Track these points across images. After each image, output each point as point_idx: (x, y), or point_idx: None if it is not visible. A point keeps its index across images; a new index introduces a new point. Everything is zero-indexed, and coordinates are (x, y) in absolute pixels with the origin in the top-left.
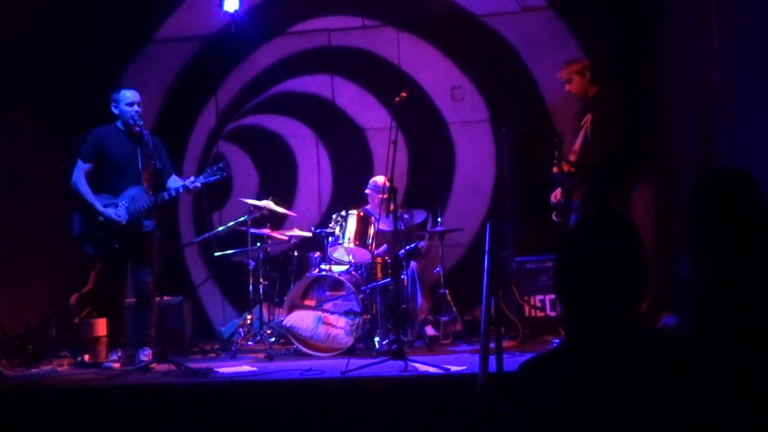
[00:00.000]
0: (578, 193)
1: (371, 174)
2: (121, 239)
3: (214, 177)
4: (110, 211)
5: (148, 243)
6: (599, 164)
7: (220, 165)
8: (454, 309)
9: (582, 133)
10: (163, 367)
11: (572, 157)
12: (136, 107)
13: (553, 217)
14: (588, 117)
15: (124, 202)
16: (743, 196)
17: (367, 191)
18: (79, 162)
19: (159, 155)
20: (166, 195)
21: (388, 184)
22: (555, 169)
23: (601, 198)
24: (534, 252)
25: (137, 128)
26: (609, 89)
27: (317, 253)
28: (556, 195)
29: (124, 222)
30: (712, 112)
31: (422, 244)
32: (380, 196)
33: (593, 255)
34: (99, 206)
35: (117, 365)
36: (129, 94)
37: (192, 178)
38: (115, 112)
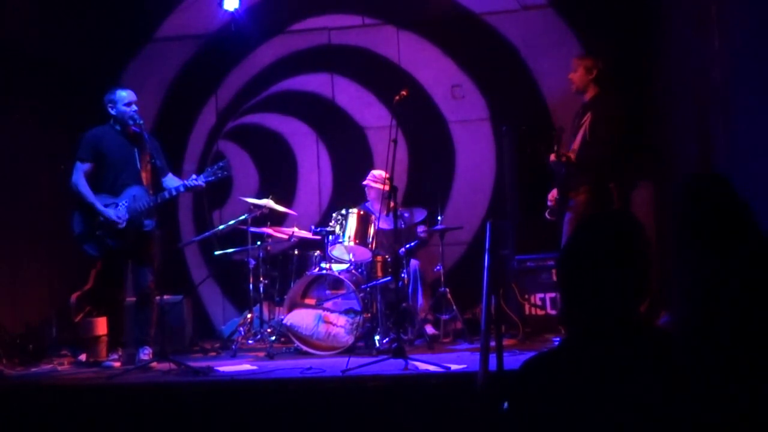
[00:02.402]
0: (573, 193)
1: None
2: (121, 239)
3: (215, 176)
4: (110, 212)
5: (148, 242)
6: (597, 163)
7: (221, 164)
8: (454, 307)
9: (581, 131)
10: (164, 365)
11: (571, 155)
12: (134, 107)
13: (546, 215)
14: (588, 116)
15: (124, 202)
16: (723, 200)
17: (365, 182)
18: (78, 164)
19: (157, 154)
20: (167, 194)
21: (387, 180)
22: (552, 157)
23: (602, 195)
24: (534, 250)
25: (137, 128)
26: (609, 92)
27: (317, 252)
28: (553, 195)
29: (124, 222)
30: (711, 111)
31: (422, 233)
32: (379, 186)
33: (597, 254)
34: (99, 206)
35: (117, 364)
36: (125, 94)
37: (194, 177)
38: (113, 112)
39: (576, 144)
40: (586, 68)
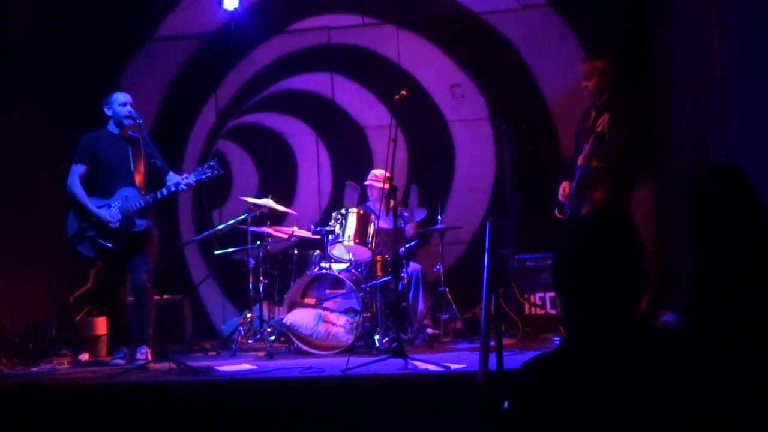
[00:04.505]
0: (590, 190)
1: None
2: (115, 239)
3: (205, 175)
4: (103, 212)
5: (142, 241)
6: (614, 163)
7: (212, 163)
8: (454, 307)
9: (599, 132)
10: (164, 365)
11: (592, 158)
12: (129, 107)
13: (556, 213)
14: (605, 117)
15: (117, 203)
16: (741, 192)
17: (366, 182)
18: (74, 166)
19: (155, 155)
20: (158, 194)
21: (387, 174)
22: (580, 160)
23: (618, 196)
24: (534, 249)
25: (135, 131)
26: (622, 91)
27: (317, 252)
28: (564, 188)
29: (116, 222)
30: (711, 111)
31: (408, 228)
32: (381, 185)
33: (592, 251)
34: (92, 207)
35: (123, 362)
36: (122, 97)
37: (184, 175)
38: (108, 113)
39: (590, 144)
40: (600, 73)
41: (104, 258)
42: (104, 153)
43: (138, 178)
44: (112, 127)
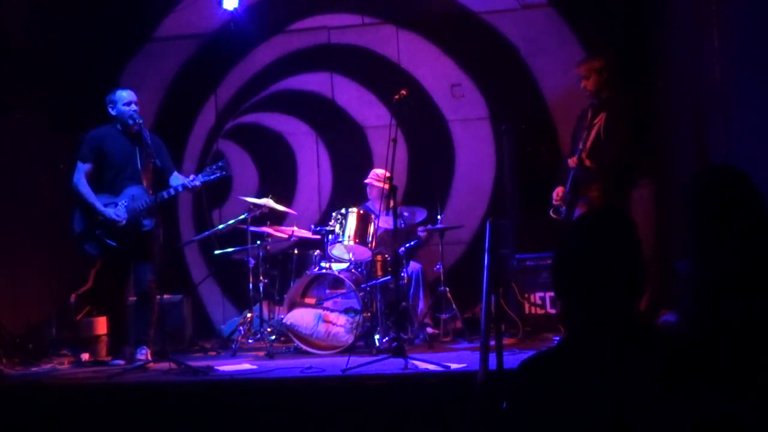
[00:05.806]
0: (585, 189)
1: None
2: (121, 238)
3: (213, 176)
4: (110, 211)
5: (148, 241)
6: (612, 163)
7: (220, 164)
8: (454, 306)
9: (594, 131)
10: (164, 365)
11: (583, 155)
12: (134, 106)
13: (551, 213)
14: (602, 116)
15: (123, 201)
16: (741, 193)
17: (366, 181)
18: (79, 163)
19: (159, 154)
20: (165, 194)
21: (388, 174)
22: (571, 162)
23: (615, 195)
24: (534, 249)
25: (136, 127)
26: (620, 90)
27: (317, 251)
28: (558, 193)
29: (123, 221)
30: (709, 110)
31: (421, 232)
32: (381, 184)
33: (591, 251)
34: (99, 206)
35: (123, 362)
36: (126, 94)
37: (191, 177)
38: (113, 113)
39: (588, 144)
40: (598, 72)
41: (109, 257)
42: (111, 150)
43: (145, 176)
44: (117, 124)
